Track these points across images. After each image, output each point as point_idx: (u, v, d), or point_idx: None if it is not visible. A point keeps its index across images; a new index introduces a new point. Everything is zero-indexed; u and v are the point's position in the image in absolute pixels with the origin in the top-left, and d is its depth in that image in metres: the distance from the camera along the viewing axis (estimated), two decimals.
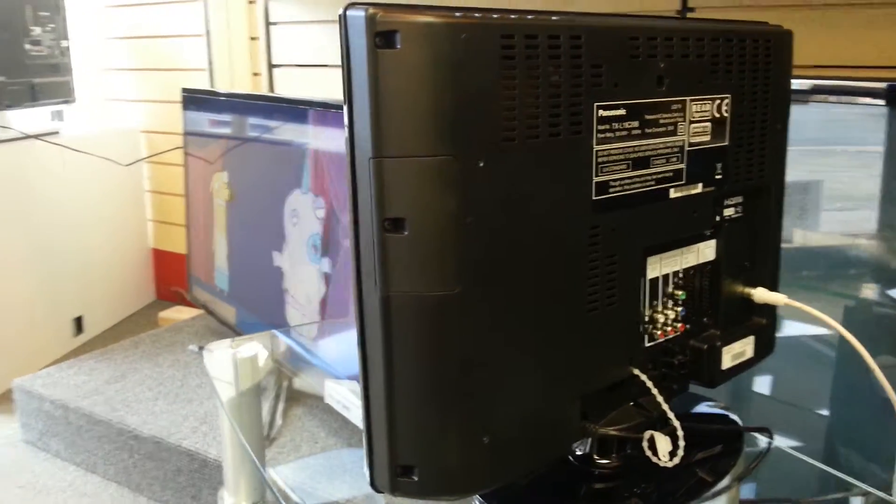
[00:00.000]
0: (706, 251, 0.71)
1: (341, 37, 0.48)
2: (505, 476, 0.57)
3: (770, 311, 0.76)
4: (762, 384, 1.30)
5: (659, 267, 0.67)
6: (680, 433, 0.62)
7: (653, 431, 0.63)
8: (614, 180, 0.59)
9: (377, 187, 0.49)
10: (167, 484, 1.47)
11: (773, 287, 0.76)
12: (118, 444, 1.53)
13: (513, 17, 0.50)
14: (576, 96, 0.54)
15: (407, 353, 0.51)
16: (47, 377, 1.73)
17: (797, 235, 1.27)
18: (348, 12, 0.47)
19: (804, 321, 1.19)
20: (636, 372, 0.64)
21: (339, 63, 0.49)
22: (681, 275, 0.69)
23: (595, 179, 0.57)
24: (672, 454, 0.61)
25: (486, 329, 0.52)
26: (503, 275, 0.53)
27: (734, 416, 0.78)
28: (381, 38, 0.47)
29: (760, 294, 0.74)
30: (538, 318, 0.55)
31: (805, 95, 1.20)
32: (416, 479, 0.53)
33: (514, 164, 0.52)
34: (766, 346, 0.77)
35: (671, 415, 0.63)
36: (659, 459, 0.62)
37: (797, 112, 1.08)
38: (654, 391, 0.63)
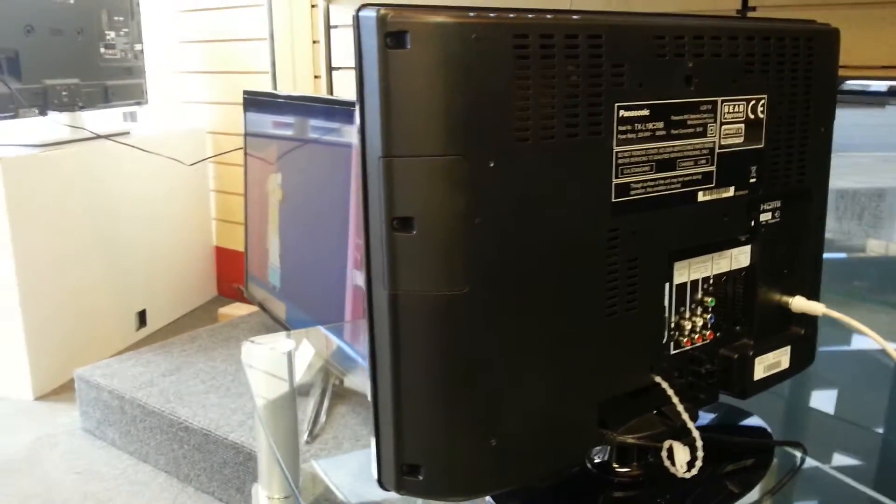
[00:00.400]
0: (740, 257, 0.69)
1: (354, 37, 0.49)
2: (514, 480, 0.56)
3: (810, 320, 0.73)
4: (823, 400, 1.25)
5: (687, 272, 0.65)
6: (699, 444, 0.60)
7: (672, 441, 0.61)
8: (636, 182, 0.57)
9: (386, 186, 0.49)
10: (213, 475, 1.50)
11: (812, 296, 0.73)
12: (169, 435, 1.58)
13: (528, 16, 0.50)
14: (595, 96, 0.53)
15: (414, 352, 0.51)
16: (106, 368, 1.80)
17: (871, 244, 1.22)
18: (360, 13, 0.48)
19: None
20: (658, 380, 0.62)
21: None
22: (711, 281, 0.67)
23: (615, 181, 0.56)
24: (690, 465, 0.60)
25: (495, 330, 0.52)
26: (514, 276, 0.52)
27: (768, 430, 0.75)
28: (392, 38, 0.47)
29: (798, 303, 0.71)
30: (552, 322, 0.55)
31: (882, 98, 1.14)
32: (421, 478, 0.53)
33: (527, 164, 0.51)
34: (804, 357, 0.74)
35: (691, 425, 0.61)
36: (677, 470, 0.60)
37: (873, 116, 1.03)
38: (675, 400, 0.61)
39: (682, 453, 0.60)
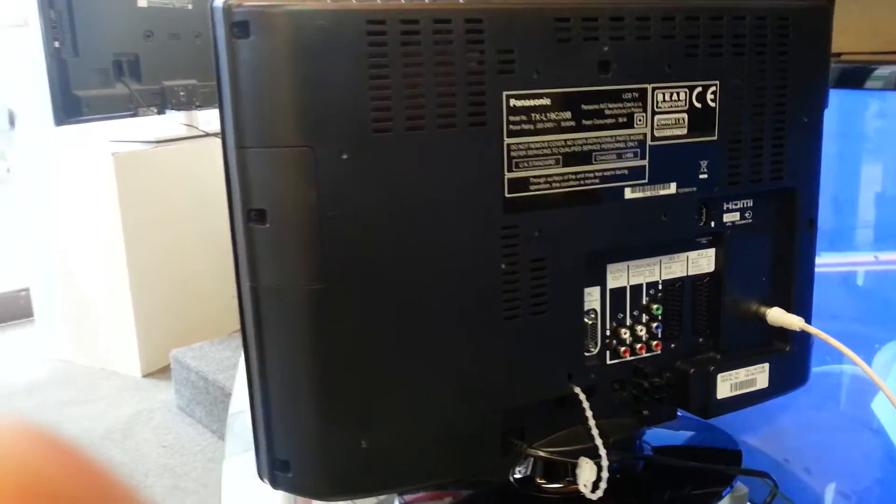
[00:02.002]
0: (700, 261, 0.62)
1: (209, 27, 0.49)
2: (392, 484, 0.54)
3: (799, 336, 0.65)
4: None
5: (626, 276, 0.59)
6: (604, 463, 0.55)
7: (583, 458, 0.56)
8: (537, 177, 0.53)
9: (241, 177, 0.49)
10: None
11: (798, 308, 0.64)
12: None
13: (385, 2, 0.47)
14: (476, 84, 0.50)
15: (277, 346, 0.51)
16: (198, 350, 1.92)
17: None
18: (213, 3, 0.48)
19: None
20: (576, 390, 0.57)
21: None
22: (660, 287, 0.61)
23: (507, 175, 0.52)
24: (595, 485, 0.54)
25: (360, 329, 0.50)
26: (380, 273, 0.50)
27: (738, 454, 0.67)
28: (237, 27, 0.46)
29: (775, 315, 0.63)
30: (431, 322, 0.52)
31: None
32: (290, 475, 0.52)
33: (390, 156, 0.49)
34: (789, 376, 0.66)
35: (599, 442, 0.56)
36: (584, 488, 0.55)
37: None
38: (588, 413, 0.56)
39: (587, 472, 0.55)
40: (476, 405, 0.55)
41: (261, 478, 0.54)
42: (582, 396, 0.57)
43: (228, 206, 0.51)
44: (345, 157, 0.48)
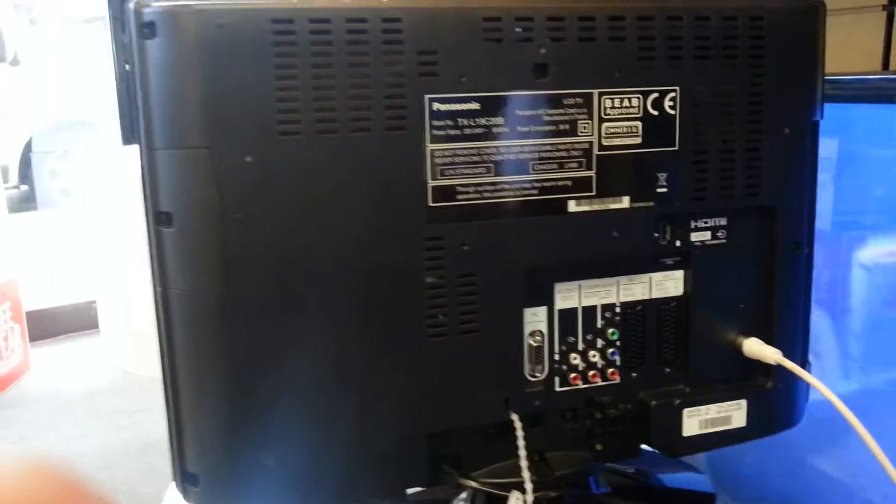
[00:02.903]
0: (666, 284, 0.57)
1: (127, 28, 0.48)
2: None
3: (785, 371, 0.58)
4: None
5: (577, 297, 0.55)
6: (529, 499, 0.50)
7: (515, 492, 0.52)
8: (465, 186, 0.50)
9: (150, 179, 0.48)
10: None
11: (776, 339, 0.58)
12: None
13: (292, 1, 0.46)
14: (395, 87, 0.48)
15: (185, 355, 0.49)
16: None
17: None
18: (129, 4, 0.47)
19: None
20: (513, 417, 0.53)
21: None
22: (618, 310, 0.56)
23: (431, 183, 0.49)
24: None
25: (265, 340, 0.48)
26: (288, 281, 0.48)
27: (713, 499, 0.61)
28: (146, 28, 0.46)
29: (750, 346, 0.57)
30: (345, 337, 0.49)
31: None
32: (198, 488, 0.50)
33: (299, 160, 0.47)
34: (772, 416, 0.60)
35: (526, 475, 0.51)
36: None
37: None
38: (520, 443, 0.52)
39: None
40: (398, 427, 0.51)
41: (178, 489, 0.53)
42: (518, 424, 0.53)
43: (144, 208, 0.50)
44: (249, 159, 0.46)
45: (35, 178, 4.40)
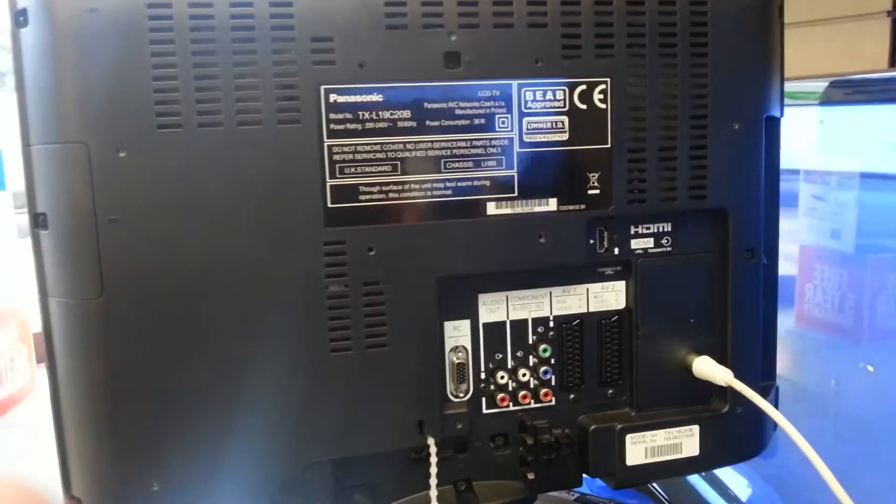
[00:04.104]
0: (606, 296, 0.52)
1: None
2: None
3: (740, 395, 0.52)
4: None
5: (504, 309, 0.50)
6: None
7: None
8: (368, 185, 0.46)
9: (27, 178, 0.44)
10: None
11: (731, 358, 0.52)
12: None
13: None
14: (286, 76, 0.44)
15: (66, 369, 0.45)
16: None
17: None
18: None
19: None
20: (429, 441, 0.48)
21: None
22: (551, 324, 0.51)
23: (330, 182, 0.45)
24: None
25: (148, 355, 0.44)
26: (173, 290, 0.44)
27: None
28: (20, 15, 0.43)
29: (700, 366, 0.52)
30: (236, 351, 0.45)
31: None
32: None
33: (179, 156, 0.43)
34: (730, 444, 0.54)
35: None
36: None
37: None
38: (433, 469, 0.47)
39: None
40: (300, 452, 0.47)
41: None
42: (433, 450, 0.48)
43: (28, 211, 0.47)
44: (122, 154, 0.42)
45: None
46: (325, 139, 0.45)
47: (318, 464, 0.47)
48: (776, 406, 0.56)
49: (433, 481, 0.47)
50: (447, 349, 0.50)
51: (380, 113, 0.45)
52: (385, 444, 0.48)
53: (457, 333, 0.50)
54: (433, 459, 0.47)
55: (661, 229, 0.51)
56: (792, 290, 1.11)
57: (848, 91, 0.97)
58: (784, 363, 0.86)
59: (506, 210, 0.48)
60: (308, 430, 0.47)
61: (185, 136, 0.43)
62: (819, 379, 1.05)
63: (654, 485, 0.73)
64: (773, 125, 0.54)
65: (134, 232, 0.43)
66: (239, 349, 0.45)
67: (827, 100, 0.96)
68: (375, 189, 0.46)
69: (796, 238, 1.09)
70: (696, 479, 0.77)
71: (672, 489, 0.75)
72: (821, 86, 0.97)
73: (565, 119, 0.48)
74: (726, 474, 0.80)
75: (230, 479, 0.46)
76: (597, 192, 0.49)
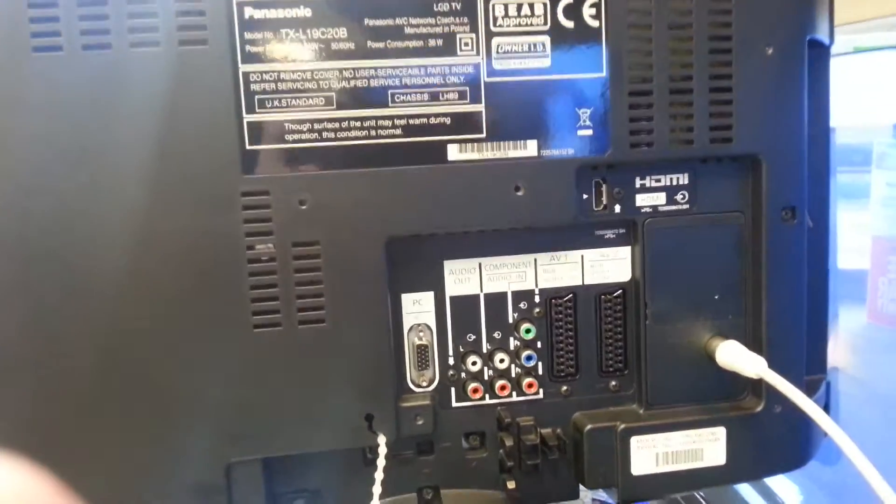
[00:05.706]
0: (606, 266, 0.42)
1: None
2: None
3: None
4: None
5: (476, 279, 0.41)
6: None
7: None
8: (296, 122, 0.37)
9: None
10: None
11: (765, 343, 0.41)
12: None
13: None
14: None
15: None
16: None
17: None
18: None
19: None
20: (379, 440, 0.39)
21: None
22: (536, 299, 0.42)
23: (247, 118, 0.37)
24: None
25: (28, 332, 0.36)
26: (55, 250, 0.36)
27: None
28: None
29: (725, 352, 0.41)
30: (136, 328, 0.37)
31: None
32: None
33: (60, 85, 0.35)
34: (766, 451, 0.43)
35: None
36: None
37: None
38: (378, 474, 0.38)
39: None
40: (214, 449, 0.38)
41: None
42: (382, 450, 0.39)
43: None
44: None
45: None
46: (240, 64, 0.36)
47: (243, 464, 0.39)
48: (826, 405, 0.45)
49: (377, 489, 0.37)
50: (405, 328, 0.41)
51: (309, 31, 0.37)
52: (325, 442, 0.39)
53: (417, 309, 0.41)
54: (380, 462, 0.38)
55: (675, 181, 0.41)
56: (864, 284, 0.99)
57: None
58: (855, 363, 0.73)
59: (472, 155, 0.38)
60: (229, 422, 0.38)
61: (67, 60, 0.35)
62: (894, 380, 0.93)
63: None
64: (820, 54, 0.43)
65: (6, 177, 0.35)
66: (139, 326, 0.37)
67: None
68: (305, 127, 0.37)
69: (869, 229, 0.97)
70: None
71: (711, 490, 0.64)
72: None
73: (546, 40, 0.38)
74: (775, 479, 0.69)
75: (141, 483, 0.38)
76: (588, 132, 0.39)
